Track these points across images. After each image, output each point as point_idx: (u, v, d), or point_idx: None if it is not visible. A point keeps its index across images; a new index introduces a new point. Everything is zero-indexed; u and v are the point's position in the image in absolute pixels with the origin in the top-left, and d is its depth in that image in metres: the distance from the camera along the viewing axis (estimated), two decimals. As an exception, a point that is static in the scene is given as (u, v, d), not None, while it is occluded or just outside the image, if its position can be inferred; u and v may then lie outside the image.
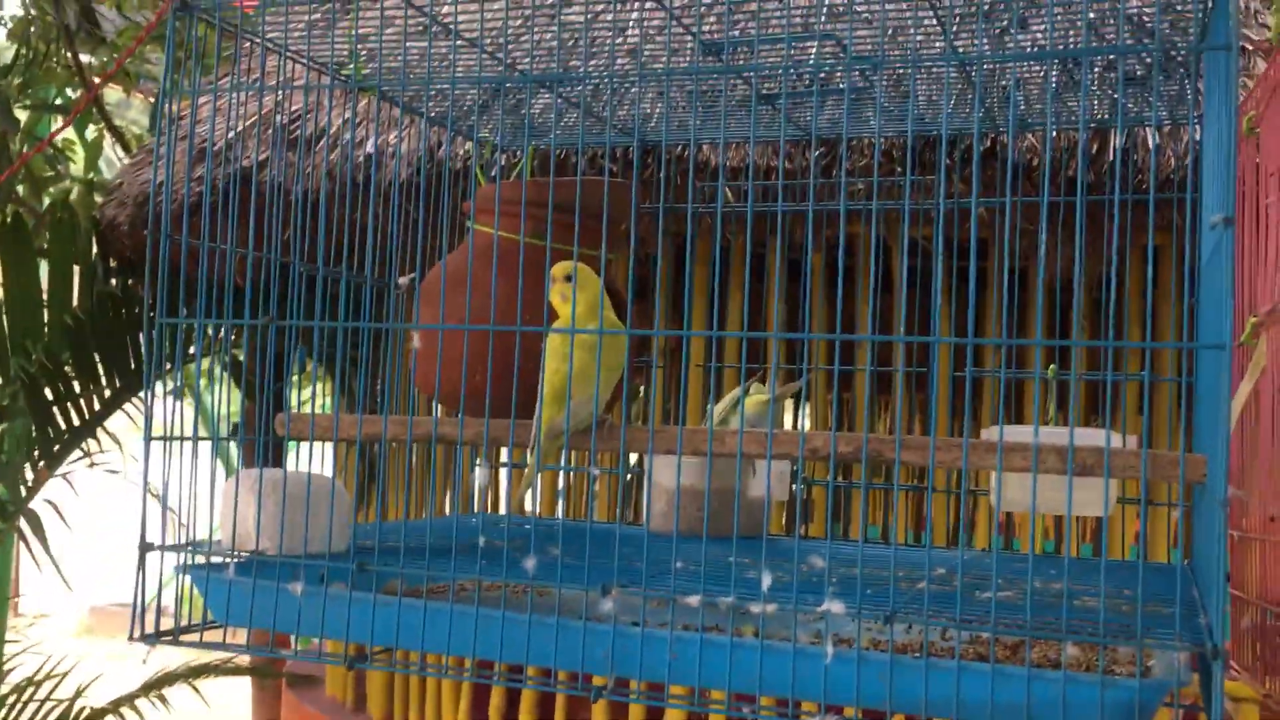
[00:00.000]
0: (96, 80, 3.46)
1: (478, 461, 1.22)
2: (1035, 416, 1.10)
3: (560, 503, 2.49)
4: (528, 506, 2.57)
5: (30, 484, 2.98)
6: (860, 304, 1.95)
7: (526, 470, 1.26)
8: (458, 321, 1.27)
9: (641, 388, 3.47)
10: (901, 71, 1.41)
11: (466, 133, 1.61)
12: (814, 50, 1.29)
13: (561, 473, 1.99)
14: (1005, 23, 1.50)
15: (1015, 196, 1.98)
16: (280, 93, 1.87)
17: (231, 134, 2.35)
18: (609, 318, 1.29)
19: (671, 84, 1.46)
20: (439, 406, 1.30)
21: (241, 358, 2.88)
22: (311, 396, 1.96)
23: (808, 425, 3.50)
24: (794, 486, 1.46)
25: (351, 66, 1.36)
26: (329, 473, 1.24)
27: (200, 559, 1.17)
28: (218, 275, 1.22)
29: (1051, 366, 1.63)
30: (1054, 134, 2.17)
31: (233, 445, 4.16)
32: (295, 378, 1.44)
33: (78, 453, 3.01)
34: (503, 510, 2.36)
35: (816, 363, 2.45)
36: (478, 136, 1.56)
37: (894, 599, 0.99)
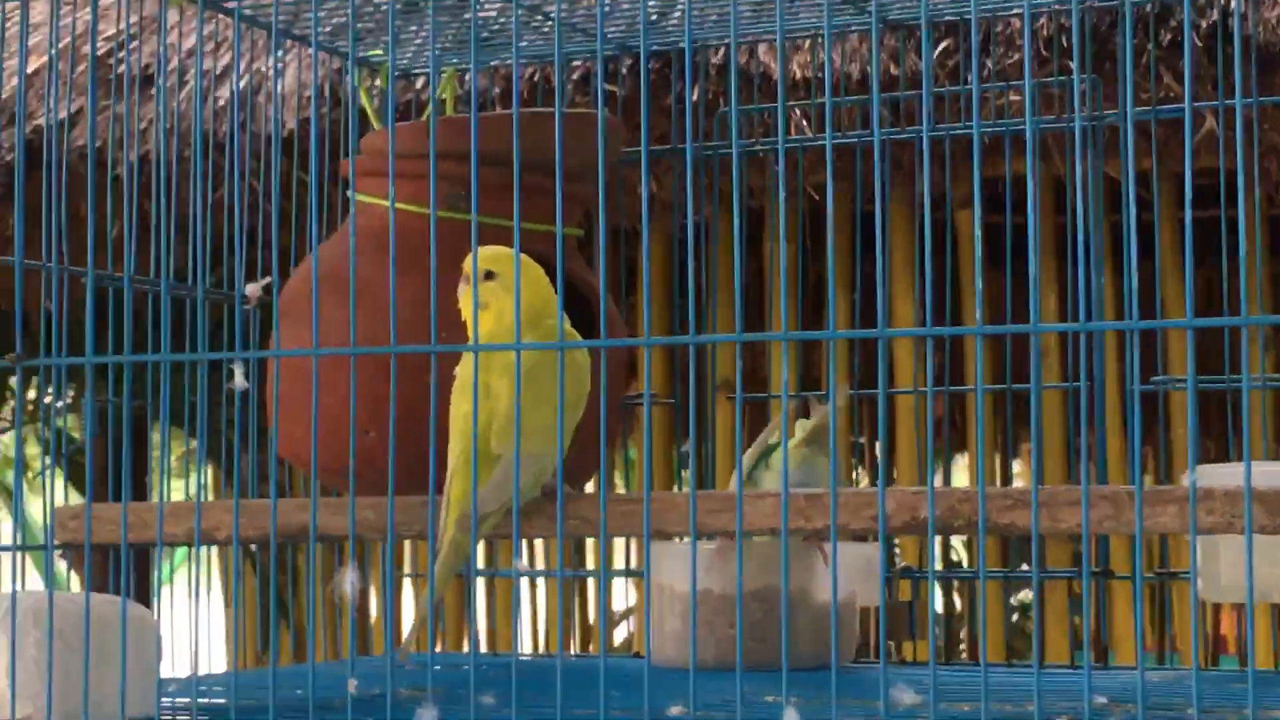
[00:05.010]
0: None
1: (344, 568, 1.18)
2: (1246, 448, 1.01)
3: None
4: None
5: None
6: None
7: (440, 570, 1.20)
8: (338, 344, 1.23)
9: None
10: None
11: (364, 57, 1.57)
12: None
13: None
14: None
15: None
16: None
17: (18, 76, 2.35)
18: (555, 328, 1.23)
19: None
20: (298, 480, 1.26)
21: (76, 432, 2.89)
22: (164, 474, 1.91)
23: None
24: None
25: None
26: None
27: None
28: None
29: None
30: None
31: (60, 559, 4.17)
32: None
33: None
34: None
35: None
36: (354, 54, 1.51)
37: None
